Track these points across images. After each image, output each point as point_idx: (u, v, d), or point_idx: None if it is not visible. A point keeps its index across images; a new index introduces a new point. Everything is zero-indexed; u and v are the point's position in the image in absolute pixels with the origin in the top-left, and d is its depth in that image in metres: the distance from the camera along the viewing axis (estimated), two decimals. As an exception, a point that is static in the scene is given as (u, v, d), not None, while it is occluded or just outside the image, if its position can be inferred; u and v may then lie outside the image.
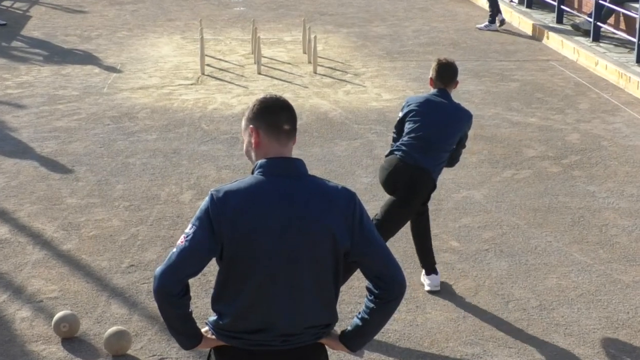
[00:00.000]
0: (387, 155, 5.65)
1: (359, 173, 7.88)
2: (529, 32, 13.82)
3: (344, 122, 9.40)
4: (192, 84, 10.69)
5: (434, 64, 5.67)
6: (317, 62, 11.36)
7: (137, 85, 10.63)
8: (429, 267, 5.76)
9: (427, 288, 5.73)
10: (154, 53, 12.19)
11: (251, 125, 2.98)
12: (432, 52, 12.55)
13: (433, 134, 5.43)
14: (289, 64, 11.72)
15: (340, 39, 13.09)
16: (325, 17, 14.63)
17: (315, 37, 11.41)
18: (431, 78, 5.65)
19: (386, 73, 11.39)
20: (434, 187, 5.58)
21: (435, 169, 5.50)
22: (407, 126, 5.53)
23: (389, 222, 5.47)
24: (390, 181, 5.51)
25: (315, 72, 11.27)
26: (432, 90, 5.62)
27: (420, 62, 11.91)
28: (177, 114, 9.54)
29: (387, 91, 10.55)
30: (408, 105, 5.58)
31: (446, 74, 5.58)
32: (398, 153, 5.52)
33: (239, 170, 7.92)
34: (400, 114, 5.65)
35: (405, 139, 5.53)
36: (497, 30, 13.89)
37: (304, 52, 12.17)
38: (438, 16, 14.93)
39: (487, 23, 14.02)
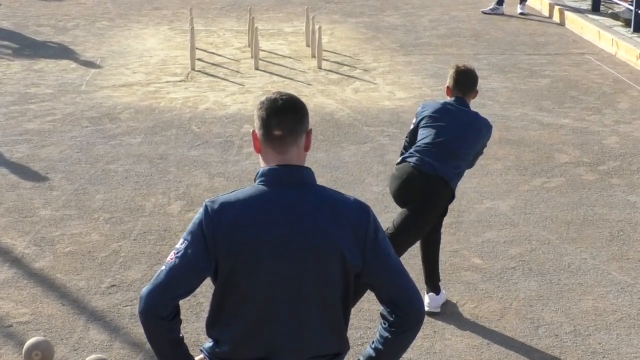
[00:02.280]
0: (398, 163, 5.69)
1: (369, 181, 7.89)
2: (558, 19, 13.81)
3: (352, 123, 9.39)
4: (181, 81, 10.73)
5: (451, 71, 5.75)
6: (321, 56, 11.38)
7: (119, 82, 10.67)
8: (434, 285, 5.78)
9: (426, 308, 5.71)
10: (138, 46, 12.21)
11: (253, 129, 3.03)
12: (451, 44, 12.56)
13: (451, 140, 5.50)
14: (290, 58, 11.74)
15: (348, 30, 13.11)
16: (331, 6, 14.63)
17: (319, 27, 11.44)
18: (448, 87, 5.74)
19: (400, 68, 11.40)
20: (452, 197, 5.61)
21: (453, 177, 5.54)
22: (422, 132, 5.61)
23: (403, 237, 5.49)
24: (403, 191, 5.54)
25: (319, 68, 11.29)
26: (449, 99, 5.69)
27: (439, 56, 11.91)
28: (164, 115, 9.57)
29: (401, 89, 10.57)
30: (422, 112, 5.65)
31: (465, 82, 5.66)
32: (412, 160, 5.56)
33: (233, 178, 7.92)
34: (414, 121, 5.73)
35: (419, 145, 5.59)
36: (503, 14, 13.94)
37: (307, 45, 12.19)
38: (458, 4, 14.96)
39: (494, 6, 14.06)
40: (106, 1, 14.64)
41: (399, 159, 5.68)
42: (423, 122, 5.60)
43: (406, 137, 5.79)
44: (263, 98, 3.02)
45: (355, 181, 7.87)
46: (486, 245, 6.75)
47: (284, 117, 2.96)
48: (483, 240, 6.84)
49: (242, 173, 7.99)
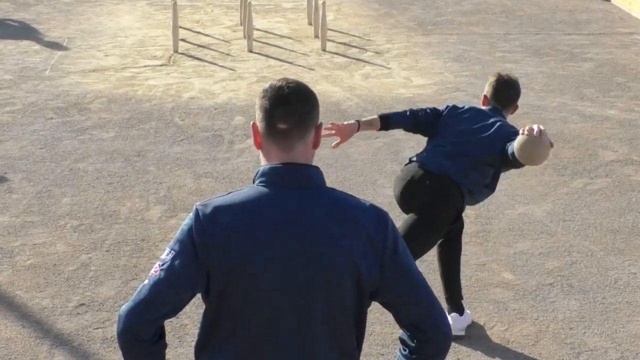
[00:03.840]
0: (405, 165, 5.77)
1: (381, 182, 7.89)
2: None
3: (363, 115, 9.33)
4: (161, 65, 10.81)
5: (491, 79, 5.84)
6: (326, 36, 11.39)
7: (89, 67, 10.72)
8: (456, 304, 5.81)
9: None
10: (112, 24, 12.24)
11: (254, 121, 3.04)
12: (478, 22, 12.56)
13: (470, 142, 5.59)
14: (290, 38, 11.78)
15: (356, 6, 13.12)
16: None
17: (323, 2, 11.42)
18: (485, 96, 5.85)
19: (417, 50, 11.44)
20: (462, 201, 5.63)
21: (463, 181, 5.57)
22: (434, 134, 5.71)
23: (411, 245, 5.46)
24: (406, 194, 5.59)
25: (324, 50, 11.34)
26: (484, 108, 5.82)
27: (463, 36, 11.93)
28: (142, 105, 9.61)
29: (419, 74, 10.61)
30: (451, 107, 5.76)
31: (505, 94, 5.79)
32: (418, 158, 5.65)
33: (223, 179, 7.94)
34: (441, 108, 5.78)
35: (431, 144, 5.69)
36: None
37: (310, 24, 12.24)
38: (486, -25, 15.03)
39: None
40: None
41: (412, 159, 5.73)
42: (446, 118, 5.69)
43: (420, 109, 5.78)
44: (266, 85, 3.02)
45: (365, 182, 7.88)
46: (519, 258, 6.75)
47: (291, 108, 2.97)
48: (515, 251, 6.84)
49: (233, 173, 8.00)
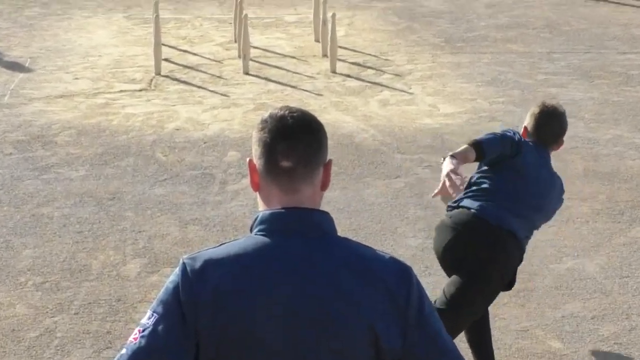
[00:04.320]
0: (450, 210, 5.73)
1: (402, 231, 7.88)
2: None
3: (380, 149, 9.40)
4: (141, 90, 10.83)
5: (533, 109, 5.88)
6: (336, 55, 11.35)
7: (55, 92, 10.71)
8: None
9: None
10: (83, 41, 12.21)
11: (250, 157, 3.04)
12: (516, 39, 12.57)
13: (527, 192, 5.64)
14: (293, 58, 11.76)
15: (372, 19, 13.13)
16: None
17: (333, 15, 11.37)
18: (525, 127, 5.88)
19: (445, 72, 11.43)
20: (520, 260, 5.71)
21: (523, 235, 5.61)
22: (492, 174, 5.69)
23: (455, 315, 5.51)
24: (458, 249, 5.57)
25: (333, 72, 11.30)
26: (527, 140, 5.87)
27: (498, 55, 11.92)
28: (117, 138, 9.62)
29: (447, 101, 10.59)
30: (523, 145, 5.69)
31: (549, 129, 5.86)
32: (472, 205, 5.61)
33: (214, 226, 7.93)
34: (517, 137, 5.69)
35: (483, 188, 5.68)
36: None
37: (317, 40, 12.22)
38: (525, -18, 15.07)
39: None
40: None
41: (461, 196, 5.68)
42: (515, 161, 5.65)
43: (513, 135, 5.68)
44: (266, 114, 3.01)
45: (382, 231, 7.87)
46: (568, 322, 6.71)
47: (295, 143, 2.96)
48: (563, 314, 6.80)
49: (227, 219, 8.00)
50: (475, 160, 5.58)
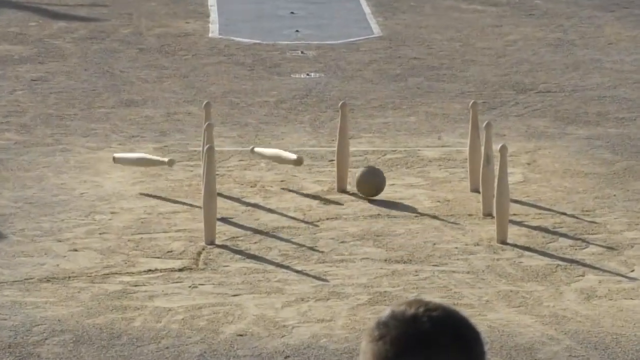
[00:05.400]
0: None
1: None
2: None
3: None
4: (182, 269, 9.59)
5: None
6: (508, 215, 10.36)
7: (39, 273, 9.62)
8: None
9: None
10: (86, 188, 11.12)
11: None
12: None
13: None
14: (435, 218, 10.58)
15: (568, 155, 12.00)
16: (523, 98, 13.52)
17: (504, 148, 10.41)
18: None
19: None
20: None
21: None
22: None
23: None
24: None
25: (503, 242, 10.10)
26: None
27: None
28: (142, 349, 8.63)
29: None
30: None
31: None
32: None
33: None
34: None
35: None
36: None
37: (475, 190, 10.95)
38: None
39: None
40: (15, 88, 13.72)
41: None
42: None
43: None
44: (385, 314, 2.56)
45: None
46: None
47: (436, 359, 2.68)
48: None
49: None
50: None
